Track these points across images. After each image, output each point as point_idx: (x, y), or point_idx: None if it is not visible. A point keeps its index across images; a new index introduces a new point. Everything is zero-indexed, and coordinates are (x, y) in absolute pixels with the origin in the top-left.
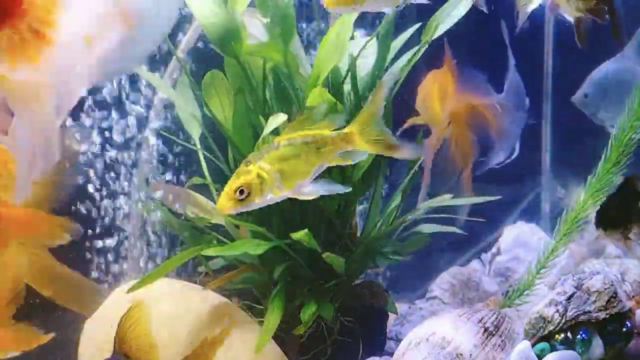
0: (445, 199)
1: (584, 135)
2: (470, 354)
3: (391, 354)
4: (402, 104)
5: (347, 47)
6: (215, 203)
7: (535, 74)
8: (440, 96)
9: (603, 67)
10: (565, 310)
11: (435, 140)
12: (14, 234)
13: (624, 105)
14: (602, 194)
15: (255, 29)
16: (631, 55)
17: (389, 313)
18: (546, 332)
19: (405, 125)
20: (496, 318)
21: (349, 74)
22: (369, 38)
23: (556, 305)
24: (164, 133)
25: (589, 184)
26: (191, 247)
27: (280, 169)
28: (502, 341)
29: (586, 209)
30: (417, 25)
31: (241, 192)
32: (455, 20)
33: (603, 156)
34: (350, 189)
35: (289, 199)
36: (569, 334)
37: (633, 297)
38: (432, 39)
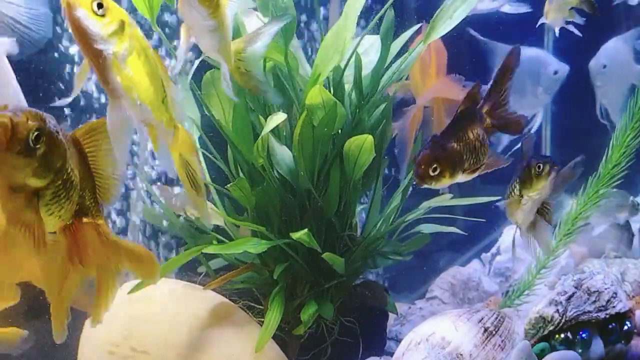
0: (445, 199)
1: (585, 135)
2: (470, 354)
3: (391, 354)
4: None
5: (348, 47)
6: (214, 204)
7: None
8: (421, 69)
9: (615, 42)
10: (565, 310)
11: (414, 112)
12: None
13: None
14: (604, 195)
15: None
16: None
17: (389, 313)
18: (546, 332)
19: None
20: (496, 318)
21: (345, 72)
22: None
23: (556, 305)
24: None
25: (590, 184)
26: (192, 247)
27: None
28: (502, 341)
29: (587, 210)
30: (417, 26)
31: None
32: (457, 22)
33: (604, 157)
34: None
35: (289, 197)
36: (569, 334)
37: (633, 297)
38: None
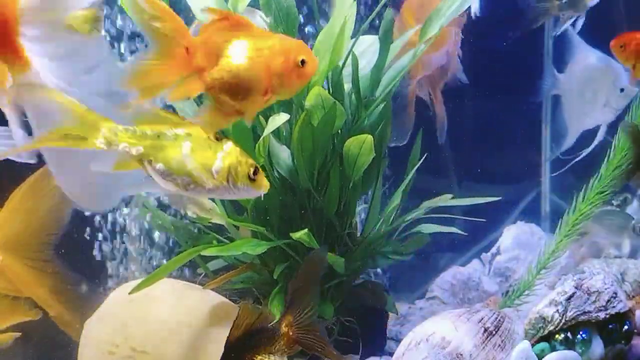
0: (445, 199)
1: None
2: (470, 354)
3: (391, 354)
4: None
5: (344, 46)
6: (215, 203)
7: (535, 74)
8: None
9: None
10: (565, 310)
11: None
12: None
13: None
14: (605, 196)
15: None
16: None
17: (389, 313)
18: (546, 332)
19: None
20: (496, 318)
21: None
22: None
23: (556, 305)
24: None
25: (592, 186)
26: (191, 248)
27: None
28: (502, 341)
29: (587, 211)
30: (417, 27)
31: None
32: (449, 20)
33: (606, 158)
34: None
35: (289, 197)
36: (569, 334)
37: (633, 297)
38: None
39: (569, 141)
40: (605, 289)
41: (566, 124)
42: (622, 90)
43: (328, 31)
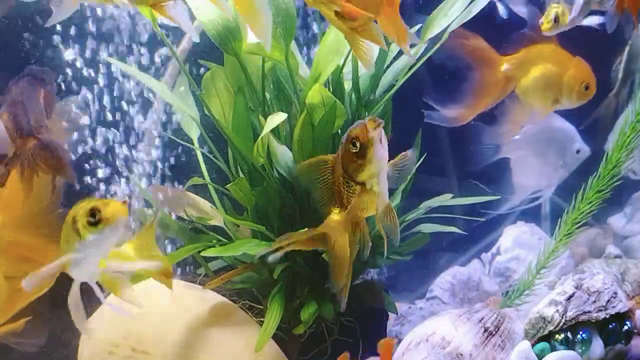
0: (445, 199)
1: (584, 135)
2: (470, 354)
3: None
4: None
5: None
6: (214, 203)
7: None
8: None
9: None
10: (565, 310)
11: None
12: None
13: None
14: (604, 195)
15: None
16: None
17: (389, 313)
18: (546, 332)
19: None
20: (496, 318)
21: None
22: None
23: (556, 305)
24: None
25: (590, 185)
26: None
27: None
28: (502, 341)
29: (586, 210)
30: (418, 26)
31: None
32: (453, 19)
33: (604, 157)
34: None
35: (289, 197)
36: (569, 334)
37: (633, 297)
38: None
39: (514, 202)
40: (605, 289)
41: (514, 185)
42: (578, 151)
43: (336, 32)
